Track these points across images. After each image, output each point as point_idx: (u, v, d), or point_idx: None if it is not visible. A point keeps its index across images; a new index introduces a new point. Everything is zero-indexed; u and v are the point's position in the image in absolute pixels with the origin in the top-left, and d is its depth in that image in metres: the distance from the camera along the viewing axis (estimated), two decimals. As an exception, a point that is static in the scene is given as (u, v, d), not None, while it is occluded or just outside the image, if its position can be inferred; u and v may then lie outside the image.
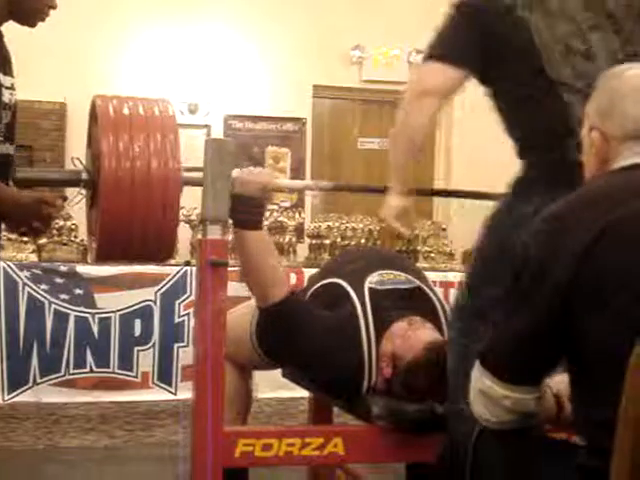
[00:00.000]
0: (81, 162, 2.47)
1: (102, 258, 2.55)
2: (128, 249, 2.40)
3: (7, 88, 2.40)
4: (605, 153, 1.68)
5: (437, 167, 7.66)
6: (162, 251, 2.47)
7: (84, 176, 2.40)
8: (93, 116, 2.46)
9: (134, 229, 2.29)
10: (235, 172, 2.41)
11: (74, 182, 2.43)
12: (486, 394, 1.66)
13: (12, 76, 2.46)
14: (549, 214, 1.66)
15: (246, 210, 2.42)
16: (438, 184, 7.57)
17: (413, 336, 2.45)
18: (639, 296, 1.50)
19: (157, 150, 2.27)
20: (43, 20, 2.49)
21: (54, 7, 2.48)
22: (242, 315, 2.66)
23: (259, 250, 2.48)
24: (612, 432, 1.42)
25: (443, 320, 2.61)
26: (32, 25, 2.50)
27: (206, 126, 6.87)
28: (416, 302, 2.61)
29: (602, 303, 1.53)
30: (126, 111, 2.33)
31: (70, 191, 2.58)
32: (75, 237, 5.12)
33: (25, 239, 4.70)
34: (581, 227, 1.55)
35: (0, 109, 2.37)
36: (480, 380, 1.67)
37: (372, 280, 2.65)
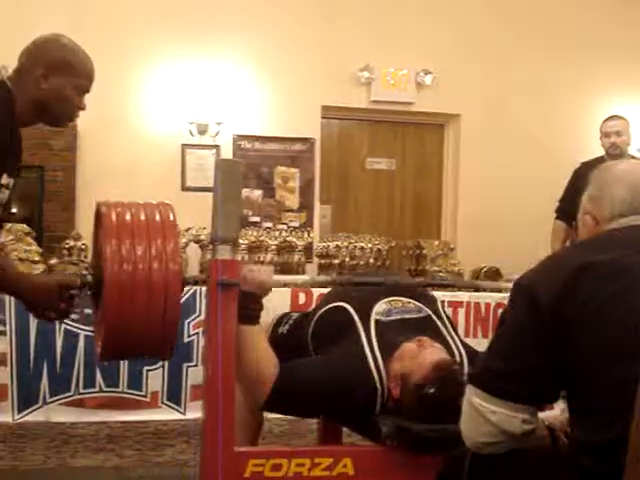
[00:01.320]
0: (87, 266, 2.53)
1: (107, 358, 2.61)
2: (131, 349, 2.48)
3: (5, 187, 2.43)
4: (590, 231, 1.90)
5: (444, 206, 7.69)
6: (164, 350, 2.54)
7: (89, 279, 2.47)
8: (97, 222, 2.53)
9: (136, 331, 2.37)
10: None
11: (80, 284, 2.48)
12: (475, 411, 1.74)
13: (14, 176, 2.49)
14: (548, 255, 1.93)
15: (244, 305, 2.47)
16: (445, 221, 7.62)
17: (421, 355, 2.46)
18: (625, 324, 1.63)
19: (158, 254, 2.35)
20: (72, 121, 2.53)
21: (83, 109, 2.51)
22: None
23: (251, 343, 2.52)
24: (616, 454, 1.47)
25: (455, 350, 2.60)
26: (62, 127, 2.56)
27: (215, 146, 6.90)
28: (424, 331, 2.61)
29: (588, 331, 1.66)
30: (128, 218, 2.41)
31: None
32: (85, 257, 5.15)
33: (36, 259, 4.73)
34: (567, 263, 1.74)
35: None
36: (470, 399, 1.76)
37: (379, 310, 2.65)
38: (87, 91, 2.50)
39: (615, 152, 5.18)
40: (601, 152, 5.39)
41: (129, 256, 2.32)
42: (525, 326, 1.72)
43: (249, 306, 2.51)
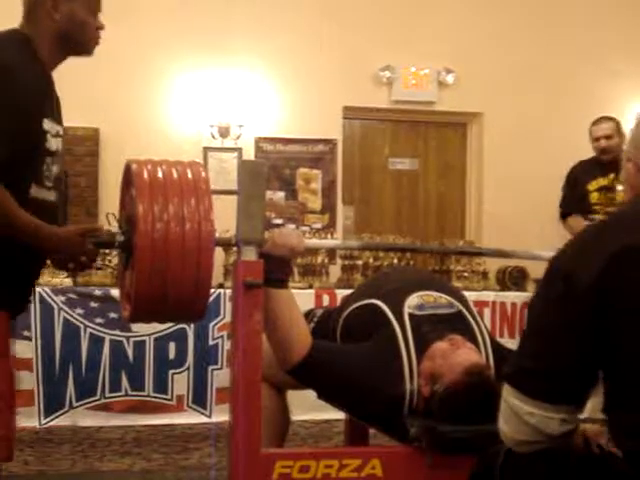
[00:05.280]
0: (116, 218, 2.48)
1: (136, 320, 2.56)
2: (161, 311, 2.42)
3: (53, 135, 2.39)
4: (638, 182, 1.73)
5: (468, 205, 7.66)
6: (195, 313, 2.48)
7: (119, 238, 2.39)
8: (126, 180, 2.48)
9: (169, 291, 2.31)
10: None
11: (109, 244, 2.42)
12: (513, 412, 1.67)
13: (60, 124, 2.45)
14: (581, 231, 1.72)
15: (274, 269, 2.44)
16: (469, 221, 7.58)
17: (453, 357, 2.43)
18: None
19: (191, 212, 2.30)
20: (97, 44, 2.47)
21: (102, 27, 2.46)
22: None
23: (282, 309, 2.50)
24: None
25: (482, 348, 2.58)
26: (89, 53, 2.48)
27: (237, 149, 6.90)
28: (456, 328, 2.58)
29: (626, 319, 1.56)
30: (160, 175, 2.36)
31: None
32: (109, 261, 5.15)
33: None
34: (604, 244, 1.59)
35: (45, 156, 2.37)
36: (507, 399, 1.69)
37: (411, 304, 2.63)
38: (99, 9, 2.46)
39: (607, 157, 5.01)
40: None
41: (161, 215, 2.27)
42: (560, 319, 1.61)
43: (280, 270, 2.48)
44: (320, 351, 2.51)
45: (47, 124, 2.35)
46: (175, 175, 2.36)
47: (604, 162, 5.04)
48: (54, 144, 2.39)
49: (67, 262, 2.38)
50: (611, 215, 1.77)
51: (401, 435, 2.47)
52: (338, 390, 2.53)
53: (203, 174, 2.42)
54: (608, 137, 5.05)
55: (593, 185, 5.14)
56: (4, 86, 2.21)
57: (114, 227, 2.46)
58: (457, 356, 2.43)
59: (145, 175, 2.35)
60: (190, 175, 2.38)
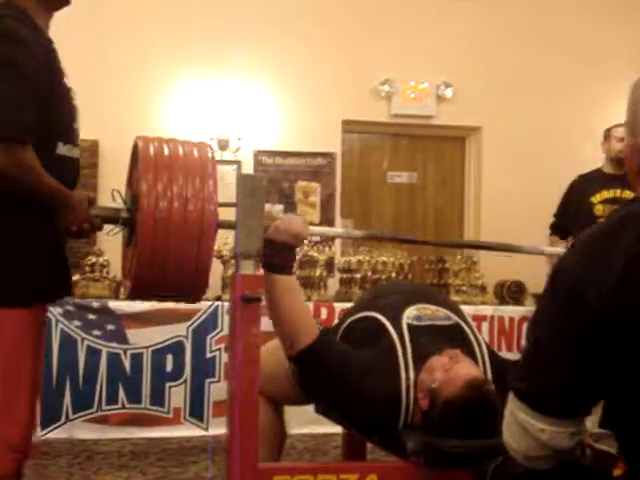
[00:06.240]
0: (121, 196, 2.48)
1: (136, 296, 2.56)
2: (161, 288, 2.41)
3: (73, 98, 2.44)
4: (636, 165, 1.63)
5: (467, 219, 7.65)
6: (194, 291, 2.48)
7: (124, 214, 2.41)
8: (134, 157, 2.48)
9: (169, 269, 2.31)
10: (273, 209, 2.47)
11: (113, 220, 2.43)
12: (521, 427, 1.61)
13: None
14: (585, 235, 1.61)
15: (278, 255, 2.44)
16: (468, 235, 7.57)
17: (452, 371, 2.42)
18: None
19: (195, 192, 2.29)
20: None
21: None
22: (277, 349, 2.65)
23: (287, 295, 2.49)
24: None
25: (480, 359, 2.58)
26: (69, 2, 2.46)
27: (236, 162, 6.90)
28: (454, 340, 2.59)
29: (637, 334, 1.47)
30: (166, 153, 2.35)
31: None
32: (107, 273, 5.16)
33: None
34: (613, 253, 1.49)
35: (73, 113, 2.41)
36: (515, 414, 1.62)
37: (409, 315, 2.63)
38: None
39: (620, 156, 4.96)
40: None
41: (165, 193, 2.26)
42: (570, 332, 1.51)
43: (284, 255, 2.49)
44: (324, 343, 2.53)
45: (68, 82, 2.39)
46: (181, 153, 2.36)
47: (607, 174, 5.04)
48: (75, 102, 2.44)
49: (71, 225, 2.35)
50: (616, 218, 1.58)
51: (398, 449, 2.47)
52: (336, 390, 2.51)
53: (210, 155, 2.42)
54: (621, 140, 5.03)
55: (597, 197, 5.15)
56: (18, 51, 2.23)
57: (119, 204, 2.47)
58: (457, 370, 2.43)
59: (151, 152, 2.35)
60: (197, 155, 2.38)
